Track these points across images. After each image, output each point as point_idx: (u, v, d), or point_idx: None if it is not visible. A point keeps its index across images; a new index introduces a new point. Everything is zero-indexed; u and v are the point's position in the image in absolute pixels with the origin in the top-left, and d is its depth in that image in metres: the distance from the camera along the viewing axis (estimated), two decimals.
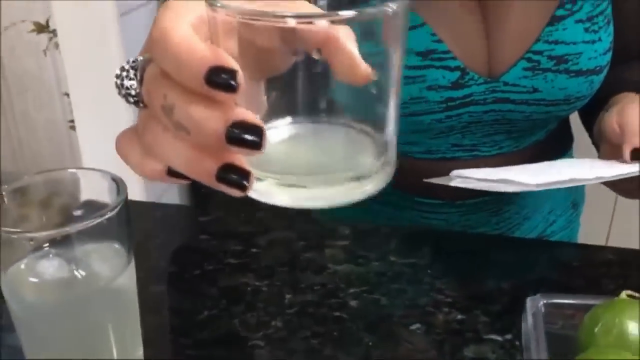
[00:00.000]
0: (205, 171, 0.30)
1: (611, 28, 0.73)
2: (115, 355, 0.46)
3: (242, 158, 0.30)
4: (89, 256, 0.45)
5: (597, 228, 1.83)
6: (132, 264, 0.47)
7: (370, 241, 0.74)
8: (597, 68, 0.71)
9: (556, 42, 0.69)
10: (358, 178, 0.31)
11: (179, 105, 0.29)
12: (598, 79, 0.72)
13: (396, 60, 0.30)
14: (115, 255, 0.45)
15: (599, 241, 1.47)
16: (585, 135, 0.80)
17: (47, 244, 0.43)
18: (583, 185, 0.94)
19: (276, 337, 0.59)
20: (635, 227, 1.61)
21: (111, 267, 0.45)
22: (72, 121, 1.99)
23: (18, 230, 0.42)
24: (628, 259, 0.70)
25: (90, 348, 0.46)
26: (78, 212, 0.48)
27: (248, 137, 0.28)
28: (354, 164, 0.31)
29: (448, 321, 0.61)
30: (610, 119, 0.64)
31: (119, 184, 0.45)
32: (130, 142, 0.33)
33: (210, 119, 0.29)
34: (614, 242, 1.54)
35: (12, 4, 1.93)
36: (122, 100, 0.33)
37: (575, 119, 0.85)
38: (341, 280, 0.67)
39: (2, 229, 0.41)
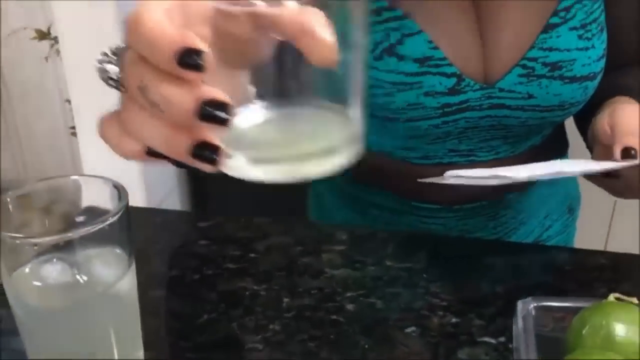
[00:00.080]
0: (178, 147, 0.33)
1: (604, 35, 0.74)
2: (116, 357, 0.47)
3: (215, 136, 0.32)
4: (91, 261, 0.46)
5: (596, 233, 1.83)
6: (133, 268, 0.48)
7: (366, 246, 0.75)
8: (591, 74, 0.72)
9: (550, 49, 0.70)
10: (328, 152, 0.33)
11: (153, 84, 0.31)
12: (592, 85, 0.73)
13: (361, 41, 0.33)
14: (116, 260, 0.46)
15: (598, 246, 1.48)
16: (580, 140, 0.81)
17: (51, 249, 0.44)
18: (579, 191, 0.95)
19: (274, 340, 0.60)
20: (634, 232, 1.62)
21: (112, 272, 0.46)
22: (73, 127, 2.00)
23: (23, 235, 0.43)
24: (620, 263, 0.71)
25: (92, 350, 0.46)
26: (80, 218, 0.49)
27: (217, 113, 0.31)
28: (324, 139, 0.34)
29: (443, 324, 0.62)
30: (602, 121, 0.66)
31: (120, 191, 0.46)
32: (110, 123, 0.35)
33: (181, 96, 0.31)
34: (613, 247, 1.55)
35: (13, 11, 1.94)
36: None
37: (570, 125, 0.85)
38: (338, 284, 0.68)
39: (7, 234, 0.42)
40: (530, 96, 0.71)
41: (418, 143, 0.76)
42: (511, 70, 0.70)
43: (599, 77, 0.73)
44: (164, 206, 1.64)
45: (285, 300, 0.66)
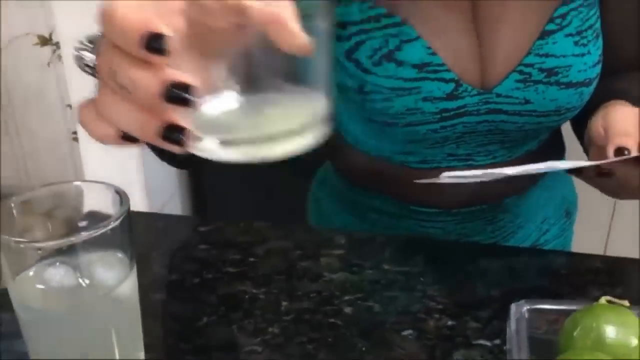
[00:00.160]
0: (148, 130, 0.34)
1: (600, 42, 0.74)
2: (117, 359, 0.48)
3: (183, 119, 0.34)
4: (93, 264, 0.46)
5: (595, 237, 1.84)
6: (134, 271, 0.49)
7: (364, 250, 0.76)
8: (587, 80, 0.72)
9: (547, 55, 0.70)
10: (294, 134, 0.35)
11: (122, 68, 0.33)
12: (588, 91, 0.73)
13: (325, 28, 0.35)
14: (118, 264, 0.47)
15: (597, 250, 1.49)
16: (577, 144, 0.82)
17: (54, 253, 0.45)
18: (576, 195, 0.96)
19: (273, 342, 0.61)
20: (633, 236, 1.62)
21: (114, 275, 0.47)
22: (75, 133, 2.01)
23: (27, 240, 0.44)
24: (615, 267, 0.72)
25: (94, 352, 0.47)
26: (82, 223, 0.49)
27: (182, 94, 0.32)
28: (290, 122, 0.36)
29: (439, 327, 0.62)
30: (596, 123, 0.66)
31: (121, 196, 0.47)
32: (87, 109, 0.37)
33: (147, 79, 0.33)
34: (612, 251, 1.56)
35: (15, 17, 1.95)
36: None
37: (567, 130, 0.86)
38: (336, 288, 0.69)
39: (12, 239, 0.43)
40: (527, 101, 0.72)
41: (417, 148, 0.77)
42: (508, 76, 0.71)
43: (594, 83, 0.74)
44: (165, 211, 1.65)
45: (284, 303, 0.66)
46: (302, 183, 1.02)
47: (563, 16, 0.71)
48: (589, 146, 0.71)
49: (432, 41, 0.70)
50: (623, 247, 1.72)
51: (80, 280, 0.46)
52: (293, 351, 0.60)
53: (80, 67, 0.37)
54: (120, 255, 0.47)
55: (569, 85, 0.71)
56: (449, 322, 0.63)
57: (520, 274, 0.71)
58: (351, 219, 0.90)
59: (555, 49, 0.70)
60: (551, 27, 0.70)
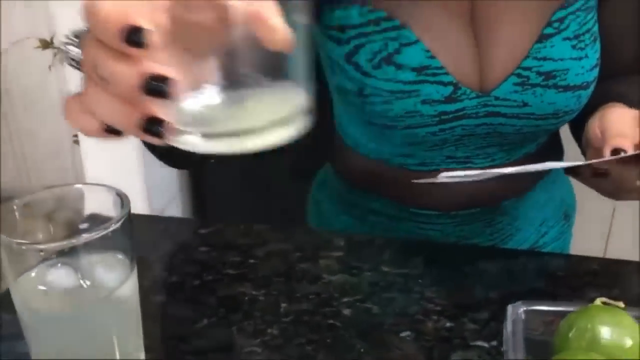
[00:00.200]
0: (128, 122, 0.36)
1: (598, 45, 0.75)
2: (118, 359, 0.49)
3: (164, 112, 0.35)
4: (94, 266, 0.47)
5: (595, 240, 1.84)
6: (135, 273, 0.49)
7: (363, 252, 0.76)
8: (584, 84, 0.73)
9: (544, 59, 0.71)
10: (279, 125, 0.37)
11: (103, 61, 0.34)
12: (585, 94, 0.74)
13: (304, 23, 0.36)
14: (118, 265, 0.48)
15: (597, 252, 1.49)
16: (576, 147, 0.82)
17: (56, 255, 0.45)
18: (574, 198, 0.96)
19: (272, 344, 0.61)
20: (634, 239, 1.62)
21: (115, 276, 0.48)
22: (76, 136, 2.01)
23: (29, 242, 0.45)
24: (612, 269, 0.72)
25: (95, 352, 0.48)
26: (83, 226, 0.50)
27: (160, 87, 0.33)
28: (271, 114, 0.37)
29: (437, 328, 0.63)
30: (593, 125, 0.67)
31: (122, 198, 0.47)
32: (72, 102, 0.38)
33: (127, 72, 0.34)
34: (612, 254, 1.56)
35: (16, 21, 1.96)
36: None
37: (565, 133, 0.87)
38: (335, 289, 0.69)
39: (14, 240, 0.43)
40: (525, 104, 0.72)
41: (416, 150, 0.78)
42: (506, 79, 0.72)
43: (592, 86, 0.74)
44: (166, 214, 1.66)
45: (284, 305, 0.67)
46: (302, 186, 1.03)
47: (561, 20, 0.71)
48: (587, 148, 0.72)
49: (431, 45, 0.70)
50: (623, 249, 1.73)
51: (82, 282, 0.47)
52: (292, 352, 0.60)
53: (67, 61, 0.38)
54: (121, 256, 0.48)
55: (566, 88, 0.72)
56: (447, 324, 0.63)
57: (518, 276, 0.72)
58: (351, 221, 0.90)
59: (553, 53, 0.71)
60: (549, 30, 0.71)
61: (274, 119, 0.36)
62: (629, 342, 0.45)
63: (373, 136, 0.80)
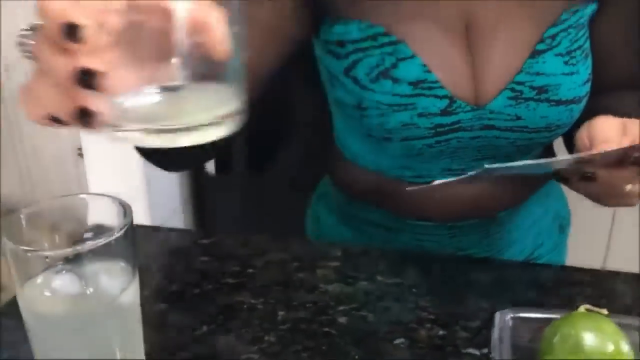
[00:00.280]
0: (64, 111, 0.38)
1: (589, 61, 0.77)
2: None
3: (108, 108, 0.38)
4: (97, 273, 0.48)
5: (594, 251, 1.84)
6: (137, 281, 0.50)
7: (359, 262, 0.78)
8: (576, 98, 0.74)
9: (537, 74, 0.72)
10: (213, 124, 0.40)
11: (44, 53, 0.37)
12: (578, 108, 0.75)
13: (239, 32, 0.40)
14: (121, 273, 0.49)
15: (596, 264, 1.49)
16: None
17: (60, 262, 0.47)
18: (568, 210, 0.97)
19: (270, 351, 0.63)
20: (633, 250, 1.63)
21: (117, 284, 0.49)
22: (80, 149, 2.02)
23: (35, 249, 0.46)
24: (602, 280, 0.74)
25: (97, 357, 0.49)
26: (88, 234, 0.52)
27: (89, 80, 0.36)
28: (210, 113, 0.40)
29: (430, 336, 0.64)
30: (581, 134, 0.68)
31: (125, 208, 0.49)
32: (24, 91, 0.40)
33: (62, 63, 0.36)
34: (611, 265, 1.56)
35: (19, 21, 1.97)
36: None
37: (559, 147, 0.88)
38: (331, 298, 0.70)
39: (21, 247, 0.45)
40: (519, 118, 0.74)
41: (413, 162, 0.79)
42: (500, 93, 0.73)
43: (584, 101, 0.76)
44: (167, 225, 1.67)
45: (281, 313, 0.68)
46: (301, 198, 1.04)
47: (553, 37, 0.73)
48: None
49: (427, 59, 0.72)
50: (622, 261, 1.72)
51: (85, 289, 0.48)
52: (289, 359, 0.62)
53: (22, 52, 0.40)
54: (123, 264, 0.49)
55: (559, 102, 0.73)
56: (440, 332, 0.65)
57: (509, 287, 0.73)
58: (349, 232, 0.92)
59: (546, 68, 0.72)
60: (542, 46, 0.73)
61: (209, 119, 0.40)
62: (610, 348, 0.47)
63: (371, 148, 0.81)
